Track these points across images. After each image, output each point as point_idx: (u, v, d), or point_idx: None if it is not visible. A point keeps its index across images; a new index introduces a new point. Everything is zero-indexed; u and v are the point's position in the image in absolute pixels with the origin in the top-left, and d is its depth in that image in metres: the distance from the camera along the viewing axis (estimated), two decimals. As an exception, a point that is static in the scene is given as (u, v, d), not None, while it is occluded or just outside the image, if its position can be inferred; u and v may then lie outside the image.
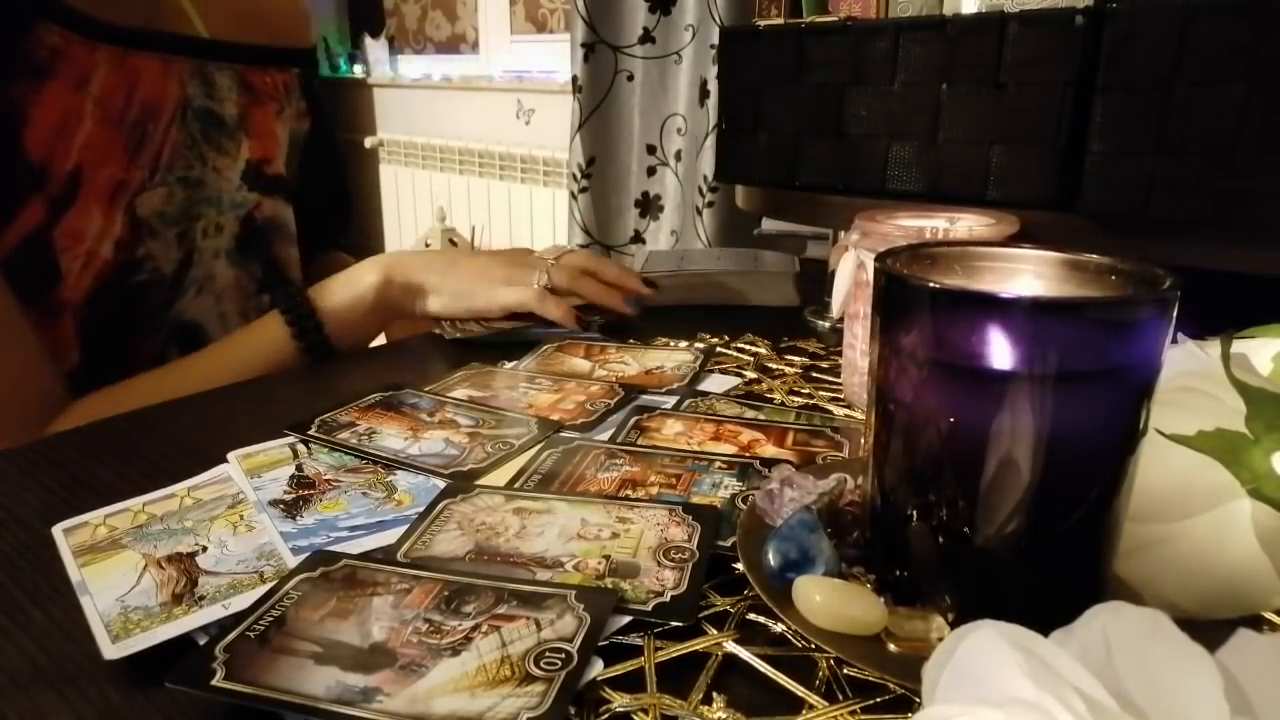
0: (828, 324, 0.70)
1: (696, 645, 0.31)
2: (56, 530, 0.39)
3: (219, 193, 0.71)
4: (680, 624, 0.32)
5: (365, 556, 0.36)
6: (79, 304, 0.62)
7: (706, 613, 0.33)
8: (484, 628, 0.31)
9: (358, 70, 3.10)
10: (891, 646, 0.29)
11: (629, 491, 0.42)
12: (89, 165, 0.61)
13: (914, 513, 0.30)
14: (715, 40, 1.38)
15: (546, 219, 2.46)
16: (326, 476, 0.44)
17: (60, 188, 0.60)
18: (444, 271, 0.68)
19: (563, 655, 0.29)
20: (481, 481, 0.43)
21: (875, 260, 0.31)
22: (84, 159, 0.60)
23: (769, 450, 0.47)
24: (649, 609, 0.32)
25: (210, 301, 0.72)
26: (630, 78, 1.60)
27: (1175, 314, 0.27)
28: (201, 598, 0.33)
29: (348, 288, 0.66)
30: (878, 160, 0.68)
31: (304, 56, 0.82)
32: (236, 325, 0.73)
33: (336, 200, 0.96)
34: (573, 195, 1.69)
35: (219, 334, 0.71)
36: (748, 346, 0.66)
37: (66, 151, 0.60)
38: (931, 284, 0.29)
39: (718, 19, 1.42)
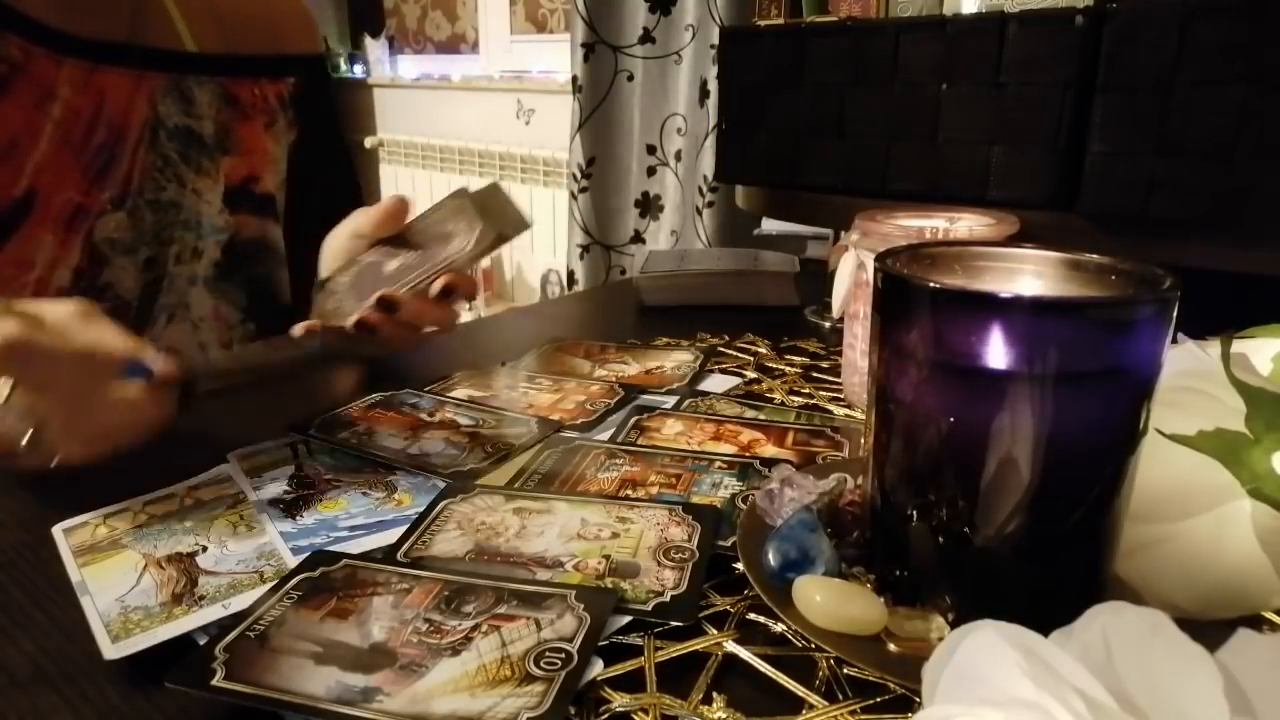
0: (828, 324, 0.70)
1: (696, 645, 0.31)
2: (56, 530, 0.39)
3: (198, 215, 0.66)
4: (680, 624, 0.32)
5: (365, 556, 0.36)
6: None
7: (706, 613, 0.33)
8: (484, 628, 0.31)
9: (358, 70, 3.11)
10: (891, 646, 0.29)
11: (629, 491, 0.42)
12: (44, 189, 0.57)
13: (914, 513, 0.30)
14: (715, 40, 1.38)
15: (546, 219, 2.46)
16: (326, 476, 0.44)
17: (4, 212, 0.55)
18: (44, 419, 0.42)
19: (563, 655, 0.29)
20: (481, 481, 0.43)
21: (875, 260, 0.31)
22: (37, 183, 0.56)
23: (769, 450, 0.47)
24: (649, 609, 0.32)
25: (187, 331, 0.68)
26: (630, 78, 1.60)
27: (1175, 314, 0.27)
28: (201, 598, 0.33)
29: None
30: (878, 160, 0.68)
31: (304, 64, 0.75)
32: (217, 356, 0.67)
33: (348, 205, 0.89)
34: (573, 195, 1.69)
35: (199, 365, 0.61)
36: (748, 346, 0.66)
37: (15, 175, 0.55)
38: (931, 284, 0.29)
39: (718, 19, 1.42)
